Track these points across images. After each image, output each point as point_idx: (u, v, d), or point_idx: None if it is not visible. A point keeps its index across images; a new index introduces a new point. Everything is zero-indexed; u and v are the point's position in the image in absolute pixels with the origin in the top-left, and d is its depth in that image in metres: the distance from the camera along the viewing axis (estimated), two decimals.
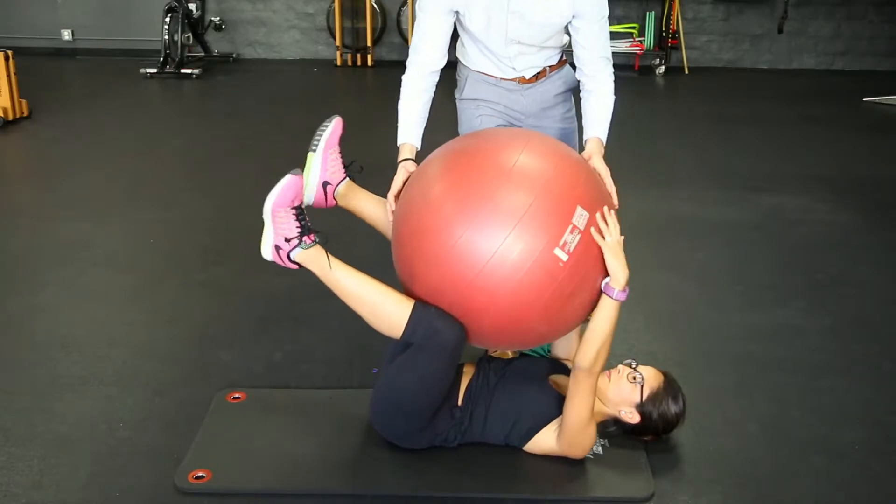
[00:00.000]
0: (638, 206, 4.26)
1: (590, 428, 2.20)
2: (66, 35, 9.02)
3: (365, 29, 8.66)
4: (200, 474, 2.20)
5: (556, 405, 2.25)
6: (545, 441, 2.26)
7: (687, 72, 8.69)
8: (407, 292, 2.21)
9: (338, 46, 8.72)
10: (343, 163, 2.46)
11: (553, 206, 2.04)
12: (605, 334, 2.12)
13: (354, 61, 8.74)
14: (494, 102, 2.59)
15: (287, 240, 2.20)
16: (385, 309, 2.14)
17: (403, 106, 2.45)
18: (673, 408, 2.28)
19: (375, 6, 8.70)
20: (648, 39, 8.70)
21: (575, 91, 2.63)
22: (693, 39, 8.95)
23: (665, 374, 2.33)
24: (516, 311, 2.06)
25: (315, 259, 2.20)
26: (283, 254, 2.21)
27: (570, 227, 2.03)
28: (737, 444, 2.42)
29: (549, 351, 2.55)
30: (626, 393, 2.27)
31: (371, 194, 2.49)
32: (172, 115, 6.83)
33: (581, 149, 2.47)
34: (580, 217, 2.05)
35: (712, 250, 3.91)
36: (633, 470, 2.26)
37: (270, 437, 2.38)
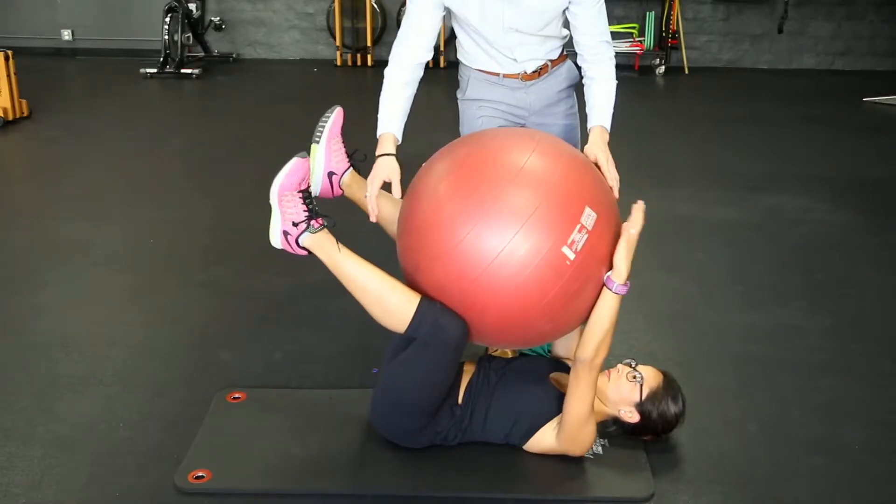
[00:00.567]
0: None
1: (589, 424, 2.20)
2: (66, 35, 9.02)
3: (365, 29, 8.67)
4: (200, 474, 2.20)
5: (556, 404, 2.25)
6: (545, 439, 2.26)
7: (687, 72, 8.69)
8: (409, 284, 2.21)
9: (338, 46, 8.72)
10: (346, 152, 2.47)
11: (563, 205, 2.05)
12: (606, 327, 2.12)
13: (354, 61, 8.74)
14: (497, 102, 2.59)
15: (295, 224, 2.19)
16: (391, 301, 2.14)
17: (387, 97, 2.41)
18: (672, 407, 2.28)
19: (375, 6, 8.70)
20: (648, 39, 8.70)
21: (577, 86, 2.63)
22: (693, 39, 8.95)
23: (665, 374, 2.33)
24: (520, 309, 2.06)
25: (323, 245, 2.19)
26: (292, 240, 2.20)
27: (579, 226, 2.04)
28: (737, 444, 2.42)
29: (549, 350, 2.56)
30: (625, 392, 2.27)
31: None
32: (172, 115, 6.83)
33: (585, 139, 2.45)
34: (588, 217, 2.06)
35: (712, 250, 3.91)
36: (633, 470, 2.26)
37: (270, 437, 2.38)
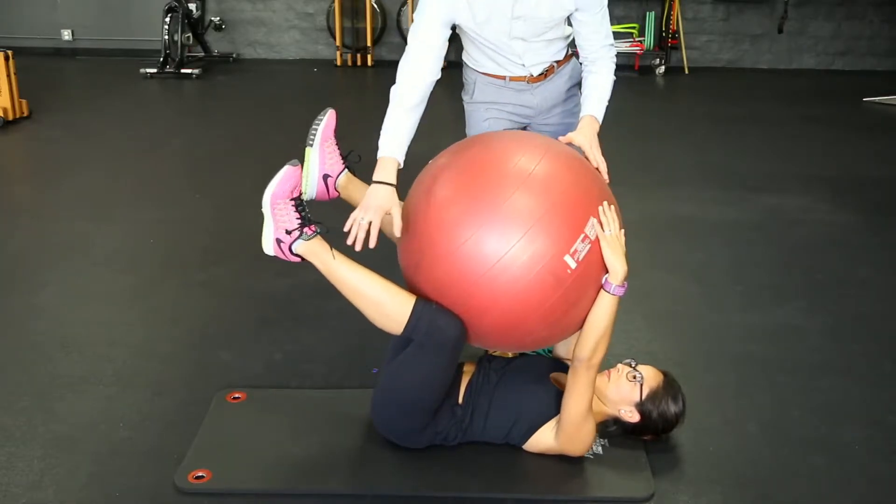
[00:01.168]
0: (638, 206, 4.26)
1: (588, 424, 2.20)
2: (66, 35, 9.03)
3: (365, 29, 8.67)
4: (200, 474, 2.20)
5: (556, 403, 2.25)
6: (545, 439, 2.26)
7: (687, 72, 8.69)
8: (408, 283, 2.21)
9: (338, 46, 8.72)
10: (341, 154, 2.46)
11: (567, 214, 2.05)
12: (604, 327, 2.12)
13: (354, 61, 8.74)
14: (503, 104, 2.59)
15: (288, 232, 2.19)
16: (387, 304, 2.14)
17: (392, 119, 2.27)
18: (672, 407, 2.28)
19: (375, 6, 8.70)
20: (648, 39, 8.70)
21: (580, 84, 2.64)
22: (693, 39, 8.95)
23: (665, 374, 2.33)
24: (519, 314, 2.06)
25: (317, 252, 2.19)
26: (285, 247, 2.21)
27: (583, 235, 2.05)
28: (737, 444, 2.42)
29: (549, 351, 2.55)
30: (625, 392, 2.28)
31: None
32: (172, 115, 6.83)
33: None
34: (592, 228, 2.07)
35: (712, 250, 3.91)
36: (633, 470, 2.26)
37: (270, 437, 2.38)
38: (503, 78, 2.56)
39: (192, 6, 8.22)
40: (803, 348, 2.98)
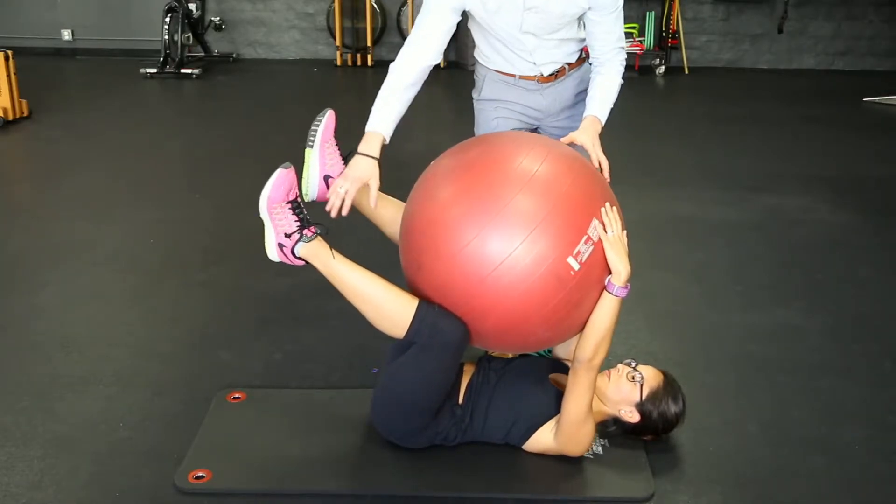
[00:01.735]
0: (638, 206, 4.26)
1: (587, 424, 2.20)
2: (66, 35, 9.03)
3: (365, 29, 8.67)
4: (200, 474, 2.20)
5: (555, 404, 2.25)
6: (544, 439, 2.26)
7: (687, 72, 8.69)
8: (410, 284, 2.21)
9: (338, 46, 8.72)
10: (341, 154, 2.46)
11: (570, 216, 2.05)
12: (605, 329, 2.12)
13: (354, 61, 8.74)
14: (513, 102, 2.59)
15: (287, 235, 2.19)
16: (388, 307, 2.14)
17: (386, 94, 2.32)
18: (673, 407, 2.28)
19: (375, 6, 8.70)
20: (648, 39, 8.70)
21: None
22: (693, 39, 8.95)
23: (665, 374, 2.33)
24: (521, 315, 2.06)
25: (318, 254, 2.19)
26: (288, 251, 2.21)
27: (586, 237, 2.05)
28: (737, 444, 2.42)
29: (549, 352, 2.55)
30: (625, 392, 2.28)
31: None
32: (172, 115, 6.84)
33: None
34: (596, 230, 2.07)
35: (712, 250, 3.91)
36: (633, 470, 2.26)
37: (270, 437, 2.38)
38: (513, 76, 2.56)
39: (192, 6, 8.22)
40: (803, 348, 2.98)
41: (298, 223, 2.19)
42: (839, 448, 2.40)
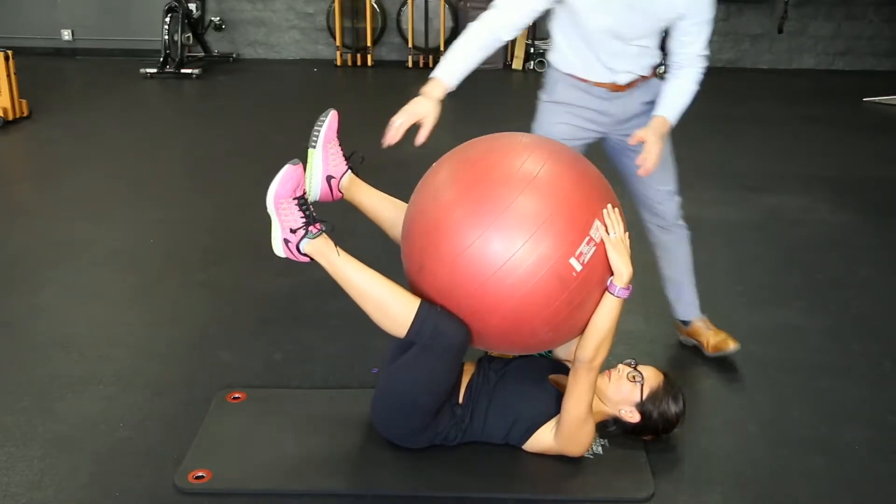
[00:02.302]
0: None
1: (587, 425, 2.21)
2: (66, 35, 9.03)
3: (365, 29, 8.67)
4: (200, 474, 2.20)
5: (555, 404, 2.25)
6: (544, 439, 2.26)
7: None
8: (412, 286, 2.21)
9: (338, 46, 8.72)
10: (344, 154, 2.46)
11: (572, 217, 2.04)
12: (606, 329, 2.12)
13: (354, 61, 8.74)
14: (584, 108, 2.60)
15: (293, 231, 2.19)
16: (391, 306, 2.13)
17: (460, 48, 2.35)
18: (673, 407, 2.28)
19: (375, 6, 8.70)
20: None
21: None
22: None
23: (665, 374, 2.34)
24: (523, 317, 2.06)
25: (323, 251, 2.19)
26: (293, 247, 2.20)
27: (588, 238, 2.04)
28: (737, 444, 2.42)
29: (550, 353, 2.55)
30: (626, 392, 2.28)
31: (375, 190, 2.48)
32: (172, 115, 6.84)
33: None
34: (598, 230, 2.07)
35: (712, 250, 3.90)
36: (633, 470, 2.26)
37: (270, 437, 2.38)
38: (586, 81, 2.56)
39: (192, 6, 8.22)
40: (803, 348, 2.98)
41: (304, 219, 2.20)
42: (839, 448, 2.40)
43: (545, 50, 8.76)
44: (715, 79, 9.31)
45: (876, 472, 2.30)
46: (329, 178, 2.42)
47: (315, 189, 2.41)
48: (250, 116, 6.62)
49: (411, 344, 2.14)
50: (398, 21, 8.86)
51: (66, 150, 5.50)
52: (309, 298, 3.25)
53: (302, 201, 2.21)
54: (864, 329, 3.14)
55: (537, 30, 8.49)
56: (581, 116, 2.60)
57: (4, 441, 2.36)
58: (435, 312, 2.10)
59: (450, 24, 8.57)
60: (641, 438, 2.34)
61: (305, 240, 2.18)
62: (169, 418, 2.48)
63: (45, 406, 2.54)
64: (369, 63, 8.74)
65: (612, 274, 2.11)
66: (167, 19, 7.87)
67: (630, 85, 2.58)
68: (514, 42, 8.55)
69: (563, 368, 2.41)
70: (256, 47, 9.16)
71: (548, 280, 2.01)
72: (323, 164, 2.41)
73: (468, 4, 8.29)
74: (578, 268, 2.03)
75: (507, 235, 2.00)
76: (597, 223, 2.07)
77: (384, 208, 2.43)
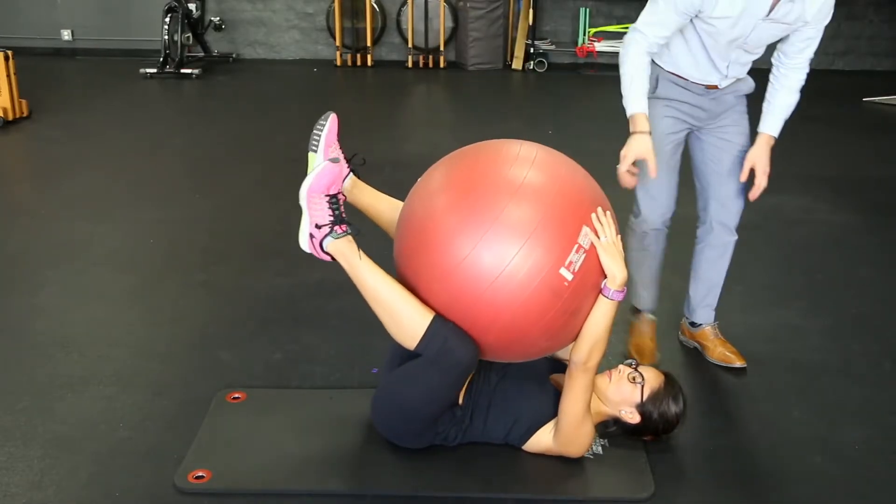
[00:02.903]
0: None
1: (585, 425, 2.20)
2: (66, 35, 9.02)
3: (365, 29, 8.66)
4: (200, 474, 2.20)
5: (555, 404, 2.25)
6: (544, 439, 2.26)
7: None
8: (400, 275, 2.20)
9: (338, 46, 8.72)
10: (345, 157, 2.46)
11: (560, 226, 2.03)
12: (601, 332, 2.12)
13: (354, 61, 8.74)
14: (683, 103, 2.68)
15: (318, 226, 2.19)
16: (404, 315, 2.12)
17: (631, 76, 2.51)
18: (673, 408, 2.28)
19: (375, 6, 8.69)
20: None
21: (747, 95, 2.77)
22: None
23: (665, 375, 2.33)
24: (519, 329, 2.06)
25: (345, 252, 2.18)
26: (317, 242, 2.20)
27: (576, 246, 2.03)
28: (737, 444, 2.42)
29: None
30: (626, 393, 2.28)
31: (376, 192, 2.48)
32: (172, 115, 6.84)
33: (754, 137, 2.72)
34: (585, 237, 2.06)
35: None
36: (633, 470, 2.26)
37: (270, 437, 2.39)
38: (685, 79, 2.64)
39: (192, 6, 8.22)
40: (803, 348, 2.98)
41: (332, 218, 2.19)
42: (839, 448, 2.40)
43: (545, 50, 8.80)
44: None
45: (876, 472, 2.30)
46: None
47: None
48: (250, 116, 6.61)
49: (417, 353, 2.14)
50: (398, 21, 8.85)
51: (65, 150, 5.50)
52: (309, 298, 3.25)
53: (333, 200, 2.21)
54: (864, 329, 3.14)
55: (537, 30, 8.49)
56: (682, 111, 2.69)
57: (4, 441, 2.36)
58: (446, 328, 2.08)
59: (450, 24, 8.56)
60: (641, 439, 2.34)
61: (329, 238, 2.18)
62: (169, 418, 2.48)
63: (45, 406, 2.54)
64: (369, 63, 8.73)
65: (605, 277, 2.11)
66: (167, 19, 7.87)
67: (729, 86, 2.68)
68: (513, 42, 8.55)
69: (563, 368, 2.39)
70: (256, 47, 9.16)
71: (540, 291, 2.00)
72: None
73: (468, 4, 8.28)
74: (570, 277, 2.02)
75: (498, 249, 1.98)
76: (585, 230, 2.05)
77: (385, 210, 2.43)
